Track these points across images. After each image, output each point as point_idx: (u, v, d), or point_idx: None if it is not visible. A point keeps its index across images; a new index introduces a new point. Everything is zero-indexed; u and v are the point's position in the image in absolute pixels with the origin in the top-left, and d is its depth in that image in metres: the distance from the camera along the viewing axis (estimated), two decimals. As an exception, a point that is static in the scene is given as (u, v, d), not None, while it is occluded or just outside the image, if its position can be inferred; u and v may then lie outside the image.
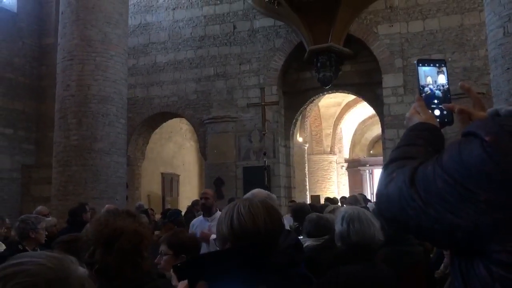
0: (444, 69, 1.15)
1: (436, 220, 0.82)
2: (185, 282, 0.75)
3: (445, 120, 1.09)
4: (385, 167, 0.98)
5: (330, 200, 10.68)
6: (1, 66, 12.38)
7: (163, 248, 2.40)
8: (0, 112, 12.32)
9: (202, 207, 4.92)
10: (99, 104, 8.79)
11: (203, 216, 4.88)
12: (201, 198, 4.94)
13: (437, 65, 1.15)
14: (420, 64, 1.14)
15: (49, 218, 5.86)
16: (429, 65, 1.14)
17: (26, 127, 13.02)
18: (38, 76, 13.31)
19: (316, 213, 3.67)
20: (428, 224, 0.83)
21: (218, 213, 4.67)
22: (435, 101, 1.11)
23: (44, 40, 13.40)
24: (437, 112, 1.10)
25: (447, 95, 1.12)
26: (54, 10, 12.79)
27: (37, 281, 0.69)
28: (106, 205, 5.44)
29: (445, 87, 1.13)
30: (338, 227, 2.33)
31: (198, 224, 4.77)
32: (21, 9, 13.06)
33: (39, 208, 6.76)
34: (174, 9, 13.19)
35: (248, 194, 2.54)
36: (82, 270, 0.78)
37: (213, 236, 2.88)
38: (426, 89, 1.12)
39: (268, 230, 1.42)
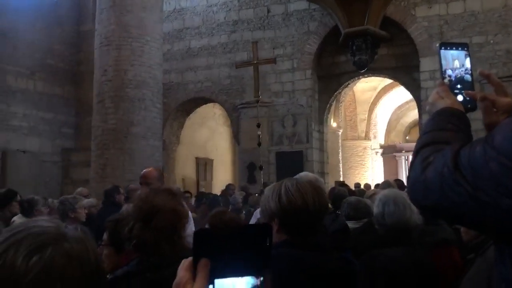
0: (468, 52, 1.10)
1: (488, 205, 0.76)
2: (189, 259, 0.71)
3: (469, 106, 1.05)
4: (417, 152, 0.93)
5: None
6: (42, 52, 12.77)
7: None
8: (41, 97, 12.75)
9: None
10: (135, 89, 8.94)
11: None
12: (140, 184, 3.79)
13: (461, 48, 1.10)
14: (443, 48, 1.09)
15: (90, 199, 6.07)
16: (452, 48, 1.09)
17: (66, 112, 13.42)
18: (77, 62, 13.66)
19: (355, 197, 3.67)
20: (477, 210, 0.77)
21: None
22: (458, 86, 1.06)
23: (82, 27, 13.71)
24: (460, 98, 1.05)
25: (473, 80, 1.08)
26: (92, -4, 13.03)
27: (43, 239, 0.76)
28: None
29: (471, 71, 1.09)
30: (375, 209, 2.32)
31: None
32: (60, -4, 13.39)
33: (79, 189, 7.04)
34: (208, -7, 13.18)
35: (295, 177, 2.56)
36: (75, 231, 0.85)
37: None
38: (456, 72, 1.08)
39: (316, 208, 1.43)
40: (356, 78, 12.49)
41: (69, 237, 0.80)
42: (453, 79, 1.07)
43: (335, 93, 12.73)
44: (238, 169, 13.17)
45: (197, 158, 15.75)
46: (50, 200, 6.90)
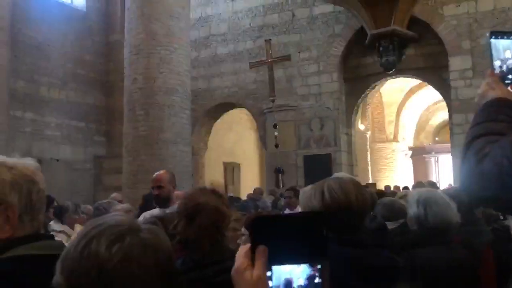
0: None
1: None
2: (247, 246, 0.72)
3: None
4: (469, 143, 0.91)
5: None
6: (74, 63, 13.15)
7: (242, 229, 2.50)
8: (73, 106, 13.11)
9: (156, 199, 3.83)
10: (164, 96, 9.09)
11: (159, 208, 3.79)
12: (152, 188, 3.81)
13: None
14: (494, 36, 1.05)
15: (125, 205, 6.19)
16: (503, 37, 1.05)
17: (97, 120, 13.76)
18: (107, 71, 14.00)
19: (389, 197, 3.65)
20: None
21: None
22: (510, 76, 1.03)
23: (111, 37, 14.05)
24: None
25: None
26: (120, 7, 13.34)
27: (121, 230, 0.83)
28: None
29: None
30: (413, 210, 2.29)
31: None
32: (89, 8, 13.78)
33: (114, 195, 7.21)
34: (233, 0, 13.31)
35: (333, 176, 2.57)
36: (147, 223, 0.91)
37: None
38: (508, 62, 1.03)
39: (359, 206, 1.45)
40: (383, 79, 12.37)
41: (143, 228, 0.86)
42: (505, 69, 1.04)
43: (362, 95, 12.63)
44: (266, 173, 13.19)
45: (224, 163, 15.86)
46: (83, 206, 7.09)
